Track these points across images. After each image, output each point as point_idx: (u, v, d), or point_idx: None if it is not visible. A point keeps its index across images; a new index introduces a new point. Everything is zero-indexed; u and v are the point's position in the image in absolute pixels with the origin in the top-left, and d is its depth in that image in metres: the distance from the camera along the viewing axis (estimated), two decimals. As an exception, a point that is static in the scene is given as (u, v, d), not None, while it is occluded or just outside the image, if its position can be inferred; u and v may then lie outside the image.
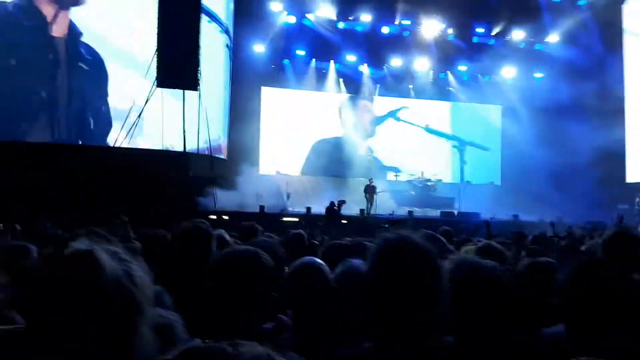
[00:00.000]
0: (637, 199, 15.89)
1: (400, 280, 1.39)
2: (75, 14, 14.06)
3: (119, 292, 0.84)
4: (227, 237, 3.33)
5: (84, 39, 13.89)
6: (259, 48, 19.04)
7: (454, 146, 21.86)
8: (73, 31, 13.81)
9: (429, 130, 21.94)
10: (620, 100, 17.72)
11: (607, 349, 1.40)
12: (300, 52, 19.64)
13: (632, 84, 17.37)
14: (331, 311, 1.89)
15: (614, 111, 18.07)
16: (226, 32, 17.26)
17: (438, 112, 21.96)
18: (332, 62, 20.26)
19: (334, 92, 20.66)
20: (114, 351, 0.83)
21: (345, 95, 20.89)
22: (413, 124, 21.82)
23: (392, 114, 21.70)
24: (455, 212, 16.57)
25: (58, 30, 13.61)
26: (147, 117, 12.61)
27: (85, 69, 13.69)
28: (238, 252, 1.59)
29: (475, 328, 1.49)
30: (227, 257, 1.55)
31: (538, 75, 20.98)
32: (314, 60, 19.97)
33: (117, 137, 12.34)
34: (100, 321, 0.82)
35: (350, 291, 2.02)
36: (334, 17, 18.93)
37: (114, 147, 12.28)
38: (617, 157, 17.45)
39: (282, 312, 2.20)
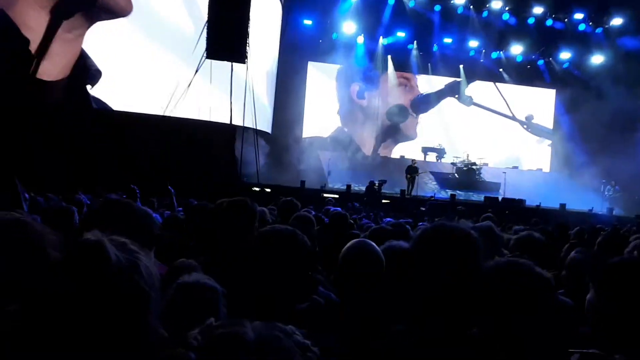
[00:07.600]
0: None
1: (438, 261, 1.43)
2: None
3: (124, 282, 0.92)
4: (268, 216, 3.40)
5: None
6: (307, 22, 18.94)
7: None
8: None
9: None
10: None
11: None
12: (350, 28, 19.33)
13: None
14: (383, 295, 1.93)
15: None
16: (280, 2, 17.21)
17: (489, 93, 21.33)
18: (381, 38, 19.91)
19: (381, 69, 20.36)
20: (120, 339, 0.90)
21: (392, 72, 20.53)
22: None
23: (445, 92, 21.21)
24: (500, 197, 16.12)
25: None
26: (195, 90, 12.79)
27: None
28: (277, 230, 1.61)
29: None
30: (266, 236, 1.59)
31: (597, 59, 19.86)
32: (362, 36, 19.66)
33: (165, 106, 12.61)
34: (106, 309, 0.88)
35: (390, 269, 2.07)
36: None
37: (162, 116, 12.57)
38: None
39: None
